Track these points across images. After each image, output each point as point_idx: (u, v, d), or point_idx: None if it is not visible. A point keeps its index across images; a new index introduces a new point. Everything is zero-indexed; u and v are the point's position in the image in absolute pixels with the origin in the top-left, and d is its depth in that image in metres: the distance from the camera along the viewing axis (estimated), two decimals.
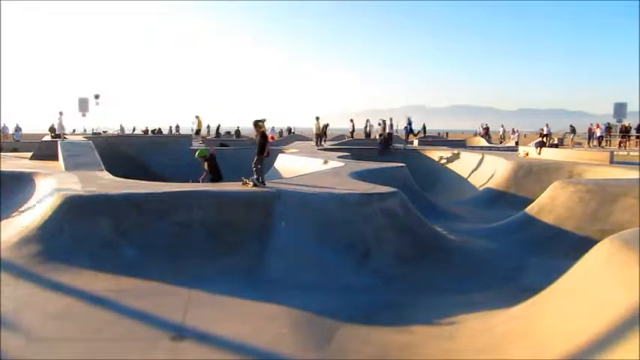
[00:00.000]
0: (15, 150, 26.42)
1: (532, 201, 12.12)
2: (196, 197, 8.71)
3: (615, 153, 21.30)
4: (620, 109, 29.91)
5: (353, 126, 31.36)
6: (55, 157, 15.76)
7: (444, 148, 25.29)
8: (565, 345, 4.07)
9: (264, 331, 5.42)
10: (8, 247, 7.58)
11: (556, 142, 26.72)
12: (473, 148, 28.99)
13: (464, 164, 20.97)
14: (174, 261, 7.46)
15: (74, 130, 39.28)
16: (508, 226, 11.45)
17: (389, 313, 6.38)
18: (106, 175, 11.78)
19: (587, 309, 4.32)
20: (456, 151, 22.35)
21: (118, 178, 11.27)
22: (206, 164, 12.57)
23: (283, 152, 21.12)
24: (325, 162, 16.15)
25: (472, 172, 20.17)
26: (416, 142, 30.93)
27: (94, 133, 31.62)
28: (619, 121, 30.59)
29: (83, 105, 24.76)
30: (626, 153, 26.59)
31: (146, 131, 42.82)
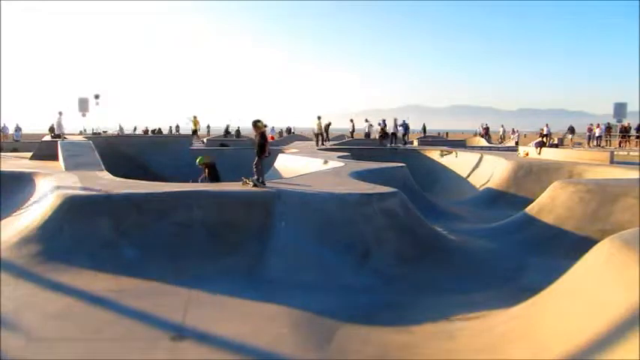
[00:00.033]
0: (15, 150, 26.42)
1: (532, 201, 12.11)
2: (196, 197, 8.71)
3: (615, 153, 21.30)
4: (620, 109, 29.94)
5: (353, 126, 31.38)
6: (55, 157, 15.77)
7: (444, 148, 25.31)
8: (565, 345, 4.07)
9: (264, 331, 5.41)
10: (8, 247, 7.58)
11: (556, 142, 26.73)
12: (473, 148, 29.01)
13: (464, 164, 20.97)
14: (174, 261, 7.46)
15: (84, 131, 39.07)
16: (508, 226, 11.45)
17: (389, 313, 6.38)
18: (106, 175, 11.79)
19: (587, 309, 4.32)
20: (451, 150, 22.48)
21: (118, 178, 11.27)
22: (206, 171, 13.14)
23: (283, 152, 21.12)
24: (325, 162, 16.16)
25: (472, 172, 20.17)
26: (416, 142, 30.96)
27: (94, 133, 31.64)
28: (619, 121, 30.62)
29: (83, 105, 24.78)
30: (626, 153, 26.59)
31: (146, 131, 42.85)
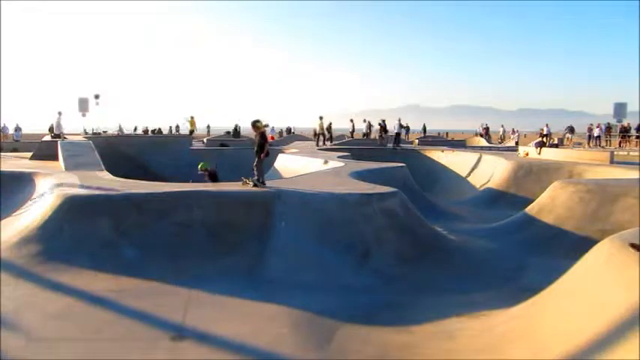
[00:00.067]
0: (15, 150, 26.42)
1: (532, 201, 12.12)
2: (196, 197, 8.71)
3: (615, 153, 21.30)
4: (620, 109, 29.93)
5: (353, 126, 31.39)
6: (55, 157, 15.77)
7: (445, 148, 25.31)
8: (565, 345, 4.07)
9: (264, 331, 5.41)
10: (8, 247, 7.57)
11: (556, 142, 26.73)
12: (473, 148, 29.01)
13: (464, 164, 20.97)
14: (174, 261, 7.46)
15: (84, 131, 38.98)
16: (508, 226, 11.46)
17: (389, 313, 6.38)
18: (105, 175, 11.80)
19: (587, 309, 4.32)
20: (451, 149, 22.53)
21: (118, 178, 11.28)
22: (207, 176, 13.40)
23: (283, 152, 21.12)
24: (325, 162, 16.17)
25: (472, 172, 20.18)
26: (416, 142, 30.96)
27: (93, 133, 31.62)
28: (619, 121, 30.60)
29: (83, 105, 24.77)
30: (626, 153, 26.58)
31: (146, 131, 42.83)
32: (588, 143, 32.35)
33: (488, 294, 7.20)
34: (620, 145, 30.44)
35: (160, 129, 45.44)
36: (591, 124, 33.84)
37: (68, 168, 13.16)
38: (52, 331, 5.24)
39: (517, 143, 34.49)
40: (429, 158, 22.67)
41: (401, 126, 26.70)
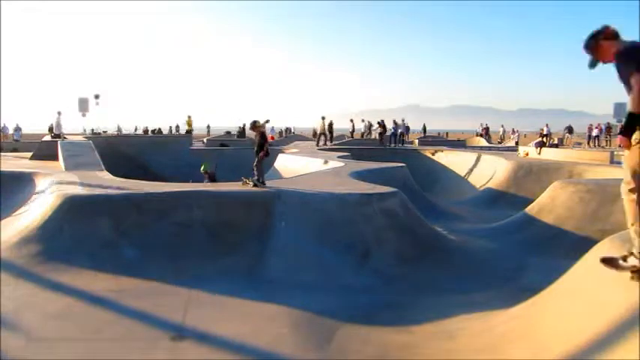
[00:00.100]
0: (15, 150, 26.39)
1: (532, 201, 12.12)
2: (196, 197, 8.71)
3: (615, 153, 21.30)
4: (620, 109, 29.91)
5: (353, 126, 31.43)
6: (55, 157, 15.77)
7: (445, 148, 25.31)
8: (565, 345, 4.07)
9: (264, 331, 5.41)
10: (8, 247, 7.57)
11: (556, 142, 26.74)
12: (473, 148, 29.01)
13: (464, 164, 20.98)
14: (174, 261, 7.46)
15: (85, 131, 38.94)
16: (508, 226, 11.46)
17: (389, 313, 6.38)
18: (105, 175, 11.80)
19: (587, 309, 4.32)
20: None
21: (118, 178, 11.28)
22: (207, 178, 13.80)
23: (283, 152, 21.13)
24: (325, 162, 16.18)
25: (472, 172, 20.18)
26: (416, 142, 30.97)
27: (93, 133, 31.63)
28: (619, 121, 30.57)
29: (83, 105, 24.73)
30: (626, 153, 26.55)
31: (146, 131, 42.82)
32: (588, 143, 32.35)
33: (488, 294, 7.20)
34: (620, 146, 30.39)
35: (159, 129, 45.44)
36: (591, 124, 33.86)
37: (68, 168, 13.16)
38: (52, 331, 5.24)
39: (517, 143, 34.49)
40: (429, 158, 22.69)
41: (404, 126, 26.73)
